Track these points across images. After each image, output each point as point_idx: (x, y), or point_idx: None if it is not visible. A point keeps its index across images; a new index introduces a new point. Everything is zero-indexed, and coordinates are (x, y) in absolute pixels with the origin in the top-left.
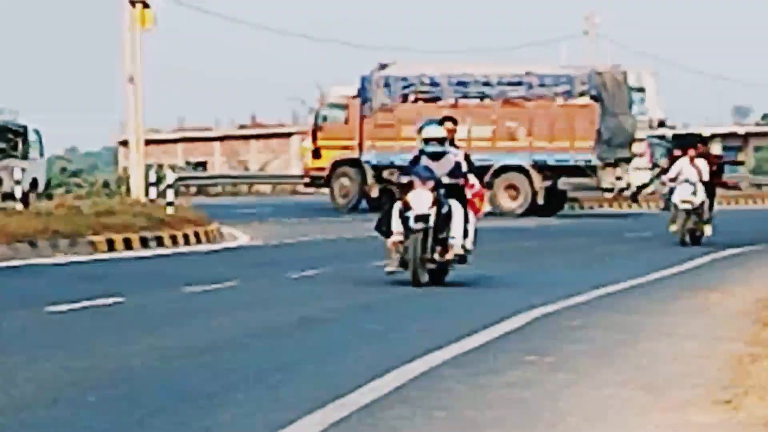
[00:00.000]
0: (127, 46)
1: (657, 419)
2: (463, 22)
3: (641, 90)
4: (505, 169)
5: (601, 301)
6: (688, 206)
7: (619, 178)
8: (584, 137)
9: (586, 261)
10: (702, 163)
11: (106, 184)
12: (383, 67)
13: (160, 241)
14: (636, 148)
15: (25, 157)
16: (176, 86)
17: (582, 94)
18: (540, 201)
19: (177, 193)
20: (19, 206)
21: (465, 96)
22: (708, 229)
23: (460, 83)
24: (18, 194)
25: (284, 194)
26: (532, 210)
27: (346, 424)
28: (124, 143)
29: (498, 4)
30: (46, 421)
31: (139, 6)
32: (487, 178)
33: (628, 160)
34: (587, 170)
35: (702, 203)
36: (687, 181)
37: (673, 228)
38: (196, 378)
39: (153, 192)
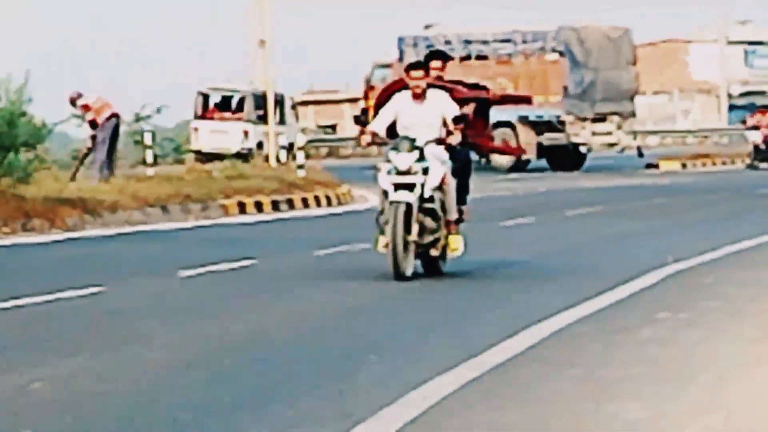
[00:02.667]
0: (256, 10)
1: None
2: None
3: None
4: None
5: (734, 257)
6: None
7: (608, 134)
8: (554, 92)
9: (719, 217)
10: None
11: None
12: (427, 27)
13: (291, 204)
14: (628, 105)
15: (282, 122)
16: (306, 49)
17: (553, 51)
18: (530, 156)
19: (307, 156)
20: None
21: (469, 55)
22: None
23: (466, 42)
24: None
25: None
26: (520, 165)
27: (479, 383)
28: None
29: None
30: (181, 386)
31: None
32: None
33: (623, 116)
34: (558, 125)
35: None
36: None
37: None
38: (330, 341)
39: (284, 155)
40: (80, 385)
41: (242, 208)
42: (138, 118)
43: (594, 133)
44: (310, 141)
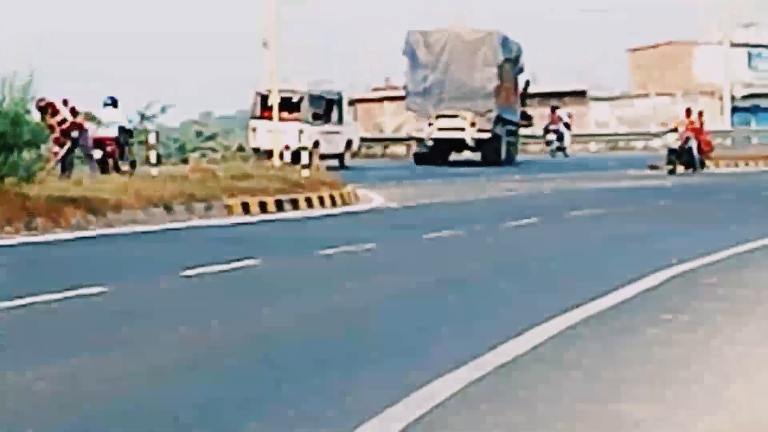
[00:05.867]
0: (262, 9)
1: None
2: None
3: None
4: None
5: (738, 258)
6: None
7: (460, 129)
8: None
9: (723, 219)
10: None
11: (241, 148)
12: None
13: (295, 204)
14: (484, 104)
15: (340, 122)
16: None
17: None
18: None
19: (312, 156)
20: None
21: None
22: None
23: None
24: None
25: (397, 157)
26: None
27: (483, 384)
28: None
29: None
30: (185, 385)
31: None
32: None
33: (478, 113)
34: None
35: None
36: None
37: None
38: (332, 341)
39: (288, 155)
40: (84, 384)
41: (246, 207)
42: (142, 118)
43: (441, 129)
44: (363, 140)
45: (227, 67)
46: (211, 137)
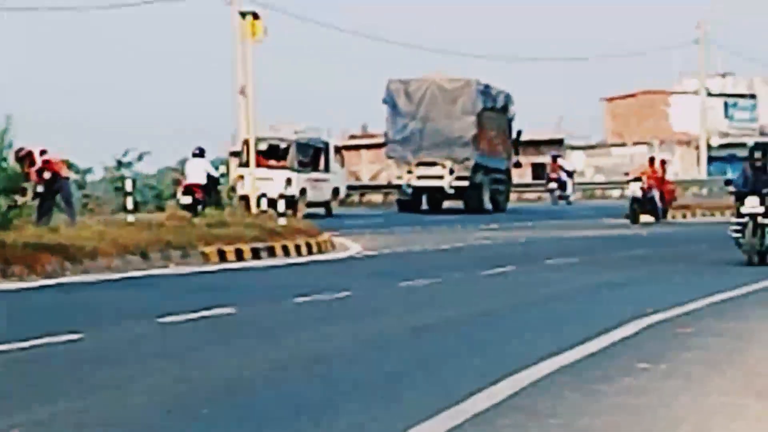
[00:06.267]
0: (237, 58)
1: None
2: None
3: (752, 97)
4: None
5: (714, 308)
6: None
7: (439, 177)
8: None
9: (698, 268)
10: None
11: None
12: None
13: (271, 252)
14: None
15: (327, 169)
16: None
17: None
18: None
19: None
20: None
21: None
22: None
23: None
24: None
25: (375, 205)
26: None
27: None
28: (236, 154)
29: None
30: None
31: (248, 18)
32: None
33: (456, 161)
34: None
35: None
36: None
37: None
38: (308, 388)
39: (264, 203)
40: (59, 431)
41: (222, 255)
42: (120, 165)
43: (421, 177)
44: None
45: (204, 114)
46: None
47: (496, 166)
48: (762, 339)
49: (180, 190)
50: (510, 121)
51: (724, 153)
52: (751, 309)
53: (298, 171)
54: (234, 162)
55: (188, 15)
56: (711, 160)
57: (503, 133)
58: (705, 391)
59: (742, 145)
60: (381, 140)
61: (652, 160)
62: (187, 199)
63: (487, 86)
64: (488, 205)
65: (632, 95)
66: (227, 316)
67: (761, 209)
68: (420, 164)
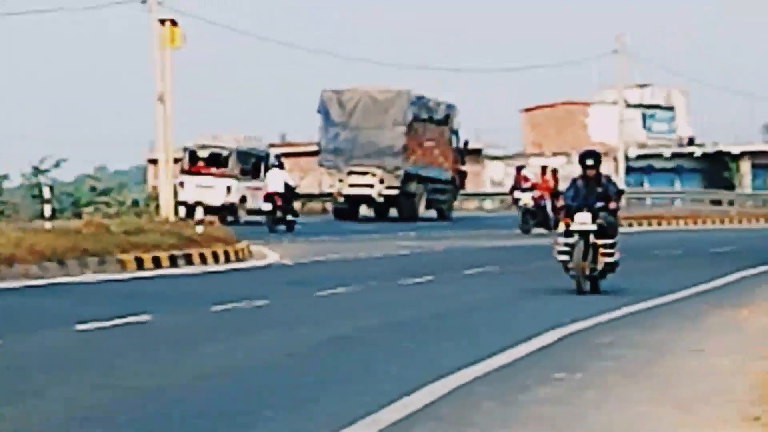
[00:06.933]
0: (156, 64)
1: None
2: (493, 41)
3: (670, 108)
4: None
5: (631, 318)
6: None
7: (369, 186)
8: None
9: (615, 278)
10: None
11: (135, 203)
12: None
13: (188, 260)
14: (392, 161)
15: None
16: (206, 105)
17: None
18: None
19: (206, 212)
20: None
21: None
22: None
23: None
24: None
25: (314, 213)
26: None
27: None
28: (154, 161)
29: (527, 23)
30: None
31: (167, 24)
32: None
33: (386, 170)
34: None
35: None
36: None
37: None
38: (226, 397)
39: (182, 210)
40: None
41: (140, 263)
42: (37, 172)
43: (352, 185)
44: None
45: (123, 122)
46: (106, 192)
47: (435, 176)
48: (676, 349)
49: (261, 197)
50: (454, 131)
51: (642, 164)
52: (667, 319)
53: (239, 179)
54: (152, 170)
55: (107, 22)
56: (629, 170)
57: (445, 143)
58: (621, 401)
59: (660, 156)
60: (301, 149)
61: (544, 169)
62: (268, 206)
63: (421, 97)
64: (424, 214)
65: (551, 105)
66: (145, 324)
67: (593, 226)
68: (351, 173)
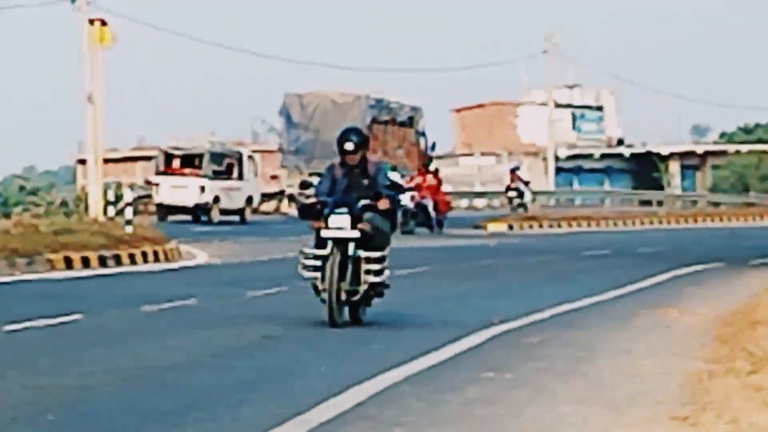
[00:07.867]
0: (86, 64)
1: None
2: (420, 43)
3: (600, 109)
4: None
5: (560, 318)
6: None
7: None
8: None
9: (545, 279)
10: None
11: (64, 203)
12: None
13: (118, 260)
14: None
15: (240, 178)
16: (135, 105)
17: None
18: None
19: (136, 212)
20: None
21: None
22: None
23: None
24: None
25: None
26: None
27: None
28: (83, 162)
29: (455, 24)
30: None
31: (97, 24)
32: None
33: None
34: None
35: None
36: None
37: None
38: (155, 397)
39: (111, 210)
40: None
41: (69, 263)
42: None
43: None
44: (139, 197)
45: (51, 121)
46: (34, 192)
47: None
48: (606, 349)
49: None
50: (421, 133)
51: (571, 164)
52: (596, 319)
53: (212, 179)
54: (81, 170)
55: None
56: (558, 171)
57: (409, 145)
58: (551, 402)
59: (590, 157)
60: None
61: (425, 169)
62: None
63: (380, 100)
64: None
65: (481, 106)
66: (74, 324)
67: (354, 233)
68: (312, 174)
